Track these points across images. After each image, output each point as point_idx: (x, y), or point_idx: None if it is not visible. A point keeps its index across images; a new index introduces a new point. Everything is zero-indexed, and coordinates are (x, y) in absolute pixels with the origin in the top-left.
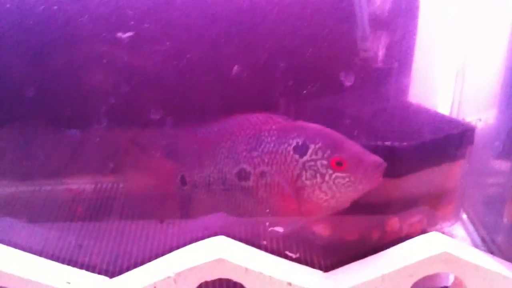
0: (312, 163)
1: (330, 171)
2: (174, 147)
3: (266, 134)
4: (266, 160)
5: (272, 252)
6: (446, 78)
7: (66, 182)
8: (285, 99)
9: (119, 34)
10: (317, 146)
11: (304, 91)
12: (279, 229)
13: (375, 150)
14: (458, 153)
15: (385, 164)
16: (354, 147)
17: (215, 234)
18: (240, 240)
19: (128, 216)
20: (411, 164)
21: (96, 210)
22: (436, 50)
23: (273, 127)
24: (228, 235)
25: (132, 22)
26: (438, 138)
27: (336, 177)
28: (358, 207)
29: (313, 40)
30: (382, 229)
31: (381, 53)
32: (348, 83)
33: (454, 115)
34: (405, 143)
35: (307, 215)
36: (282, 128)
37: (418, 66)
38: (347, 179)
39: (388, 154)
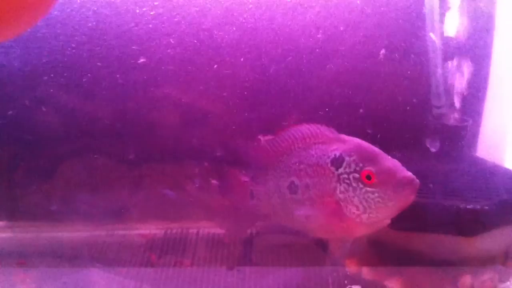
0: (346, 176)
1: (361, 185)
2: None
3: (312, 146)
4: (309, 173)
5: None
6: None
7: (138, 227)
8: None
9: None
10: (351, 158)
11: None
12: None
13: (449, 209)
14: None
15: (417, 182)
16: (388, 162)
17: None
18: None
19: (200, 264)
20: (485, 223)
21: (168, 256)
22: (505, 104)
23: (319, 140)
24: None
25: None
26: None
27: (366, 191)
28: (431, 263)
29: (386, 96)
30: (454, 285)
31: (454, 110)
32: (420, 140)
33: None
34: (480, 203)
35: (345, 232)
36: (325, 141)
37: (487, 121)
38: (376, 194)
39: (462, 213)
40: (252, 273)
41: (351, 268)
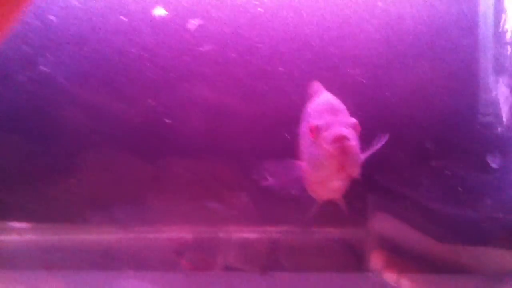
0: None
1: (309, 139)
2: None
3: None
4: None
5: None
6: None
7: (166, 230)
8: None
9: None
10: (310, 113)
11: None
12: None
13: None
14: None
15: (346, 139)
16: (330, 118)
17: None
18: None
19: (230, 269)
20: None
21: (199, 262)
22: None
23: None
24: None
25: None
26: None
27: (310, 145)
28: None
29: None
30: None
31: (503, 118)
32: (467, 149)
33: None
34: None
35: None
36: None
37: None
38: (314, 148)
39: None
40: (285, 279)
41: (390, 277)
